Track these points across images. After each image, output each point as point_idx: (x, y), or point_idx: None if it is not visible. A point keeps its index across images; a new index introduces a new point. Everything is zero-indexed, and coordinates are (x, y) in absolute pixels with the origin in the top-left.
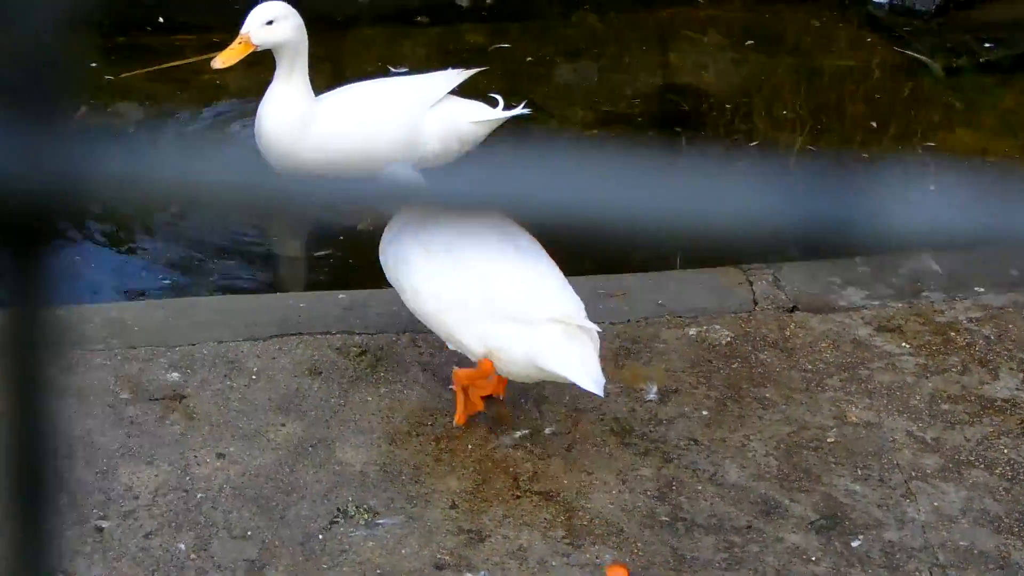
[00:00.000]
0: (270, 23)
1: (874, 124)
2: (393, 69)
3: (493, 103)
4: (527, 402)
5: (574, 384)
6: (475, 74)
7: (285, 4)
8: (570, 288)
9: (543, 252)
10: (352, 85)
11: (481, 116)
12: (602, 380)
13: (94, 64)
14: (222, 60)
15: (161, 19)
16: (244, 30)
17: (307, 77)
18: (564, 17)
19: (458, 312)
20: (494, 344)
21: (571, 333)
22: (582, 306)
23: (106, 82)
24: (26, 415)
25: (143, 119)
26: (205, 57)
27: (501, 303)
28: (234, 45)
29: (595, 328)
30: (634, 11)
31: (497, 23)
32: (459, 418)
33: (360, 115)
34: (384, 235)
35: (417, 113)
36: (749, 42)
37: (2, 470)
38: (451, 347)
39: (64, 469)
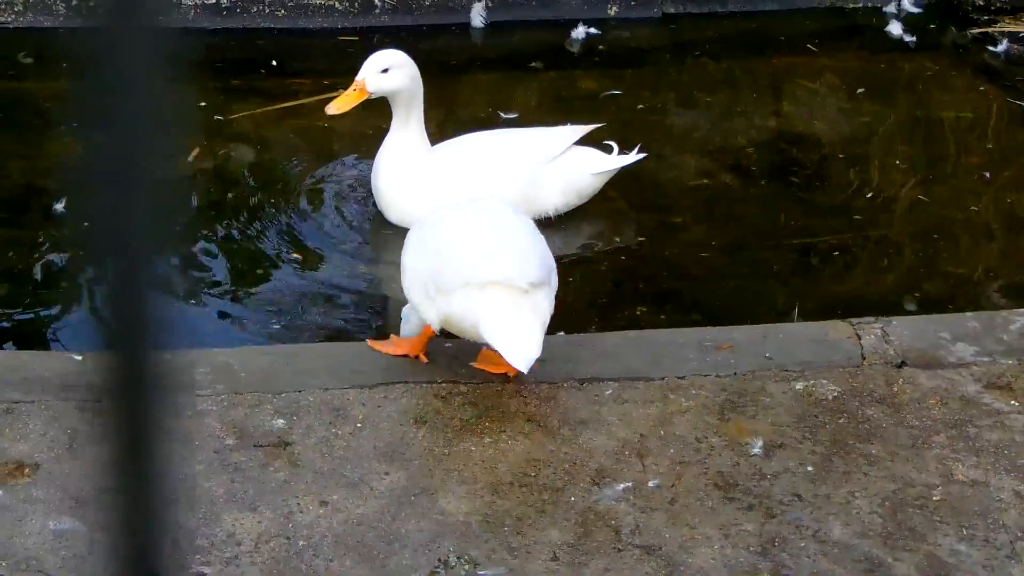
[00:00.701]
0: (386, 71)
1: (987, 175)
2: (504, 115)
3: (607, 150)
4: (630, 454)
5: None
6: (584, 121)
7: (401, 53)
8: (533, 256)
9: (527, 230)
10: (469, 136)
11: (601, 167)
12: (533, 357)
13: (203, 104)
14: (336, 107)
15: (274, 62)
16: (359, 77)
17: (423, 126)
18: (677, 63)
19: (420, 286)
20: (446, 311)
21: (517, 304)
22: (535, 271)
23: (216, 123)
24: (136, 459)
25: (254, 161)
26: (319, 99)
27: (450, 267)
28: (349, 92)
29: (533, 281)
30: (747, 58)
31: (610, 69)
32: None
33: (478, 168)
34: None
35: (536, 168)
36: (860, 90)
37: (111, 513)
38: (414, 320)
39: (170, 514)
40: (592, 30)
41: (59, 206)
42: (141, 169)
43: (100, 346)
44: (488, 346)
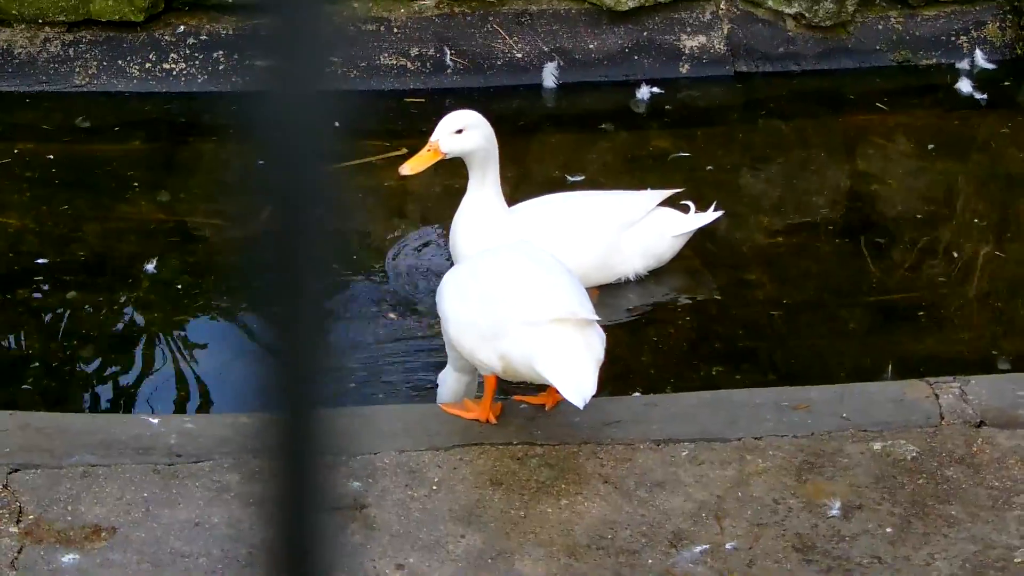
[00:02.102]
0: (460, 131)
1: None
2: (571, 178)
3: (684, 209)
4: (707, 516)
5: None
6: (656, 182)
7: (475, 113)
8: (579, 291)
9: (562, 268)
10: (548, 197)
11: (680, 229)
12: (589, 392)
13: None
14: (410, 167)
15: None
16: (434, 137)
17: (499, 186)
18: (749, 122)
19: (472, 332)
20: (503, 351)
21: (573, 341)
22: (590, 307)
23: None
24: (298, 519)
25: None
26: (387, 156)
27: (503, 309)
28: (423, 153)
29: (594, 316)
30: (820, 116)
31: (682, 128)
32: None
33: (556, 232)
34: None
35: (615, 234)
36: (931, 146)
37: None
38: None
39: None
40: (656, 89)
41: (150, 267)
42: (311, 234)
43: (264, 406)
44: (544, 382)
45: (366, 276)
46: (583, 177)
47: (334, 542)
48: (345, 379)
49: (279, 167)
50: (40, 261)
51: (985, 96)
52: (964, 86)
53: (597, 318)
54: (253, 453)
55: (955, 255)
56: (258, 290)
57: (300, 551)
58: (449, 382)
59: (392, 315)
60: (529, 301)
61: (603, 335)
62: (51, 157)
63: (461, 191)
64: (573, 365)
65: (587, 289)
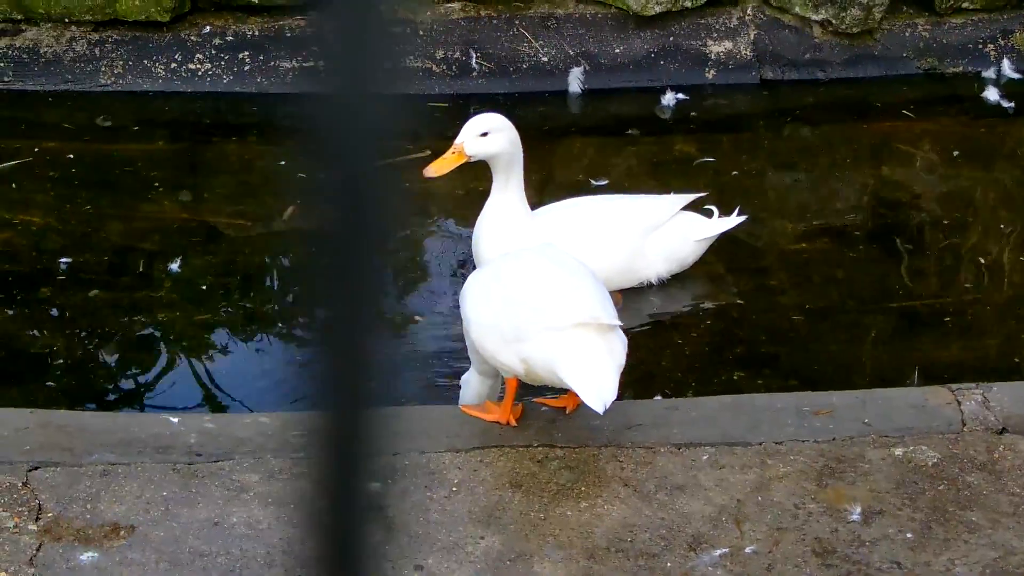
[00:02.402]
0: (485, 134)
1: None
2: (594, 182)
3: (707, 214)
4: (727, 520)
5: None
6: (680, 187)
7: (501, 116)
8: (603, 295)
9: (586, 271)
10: (571, 200)
11: (704, 233)
12: (610, 398)
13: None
14: (435, 169)
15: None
16: (459, 140)
17: (523, 190)
18: (775, 129)
19: (494, 335)
20: (525, 355)
21: (595, 346)
22: (613, 311)
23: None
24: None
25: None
26: (413, 157)
27: (527, 313)
28: (448, 155)
29: (617, 322)
30: (845, 123)
31: (707, 134)
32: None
33: (580, 236)
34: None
35: (638, 238)
36: (955, 152)
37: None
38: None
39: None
40: (681, 96)
41: (174, 267)
42: (369, 236)
43: (315, 404)
44: (565, 386)
45: (391, 278)
46: (607, 182)
47: (378, 544)
48: (397, 379)
49: (336, 167)
50: (63, 260)
51: (1012, 105)
52: (991, 95)
53: (620, 323)
54: (300, 452)
55: (979, 262)
56: (315, 289)
57: (346, 553)
58: (472, 384)
59: (418, 317)
60: (552, 305)
61: (625, 340)
62: (75, 156)
63: (485, 194)
64: (594, 370)
65: (610, 293)
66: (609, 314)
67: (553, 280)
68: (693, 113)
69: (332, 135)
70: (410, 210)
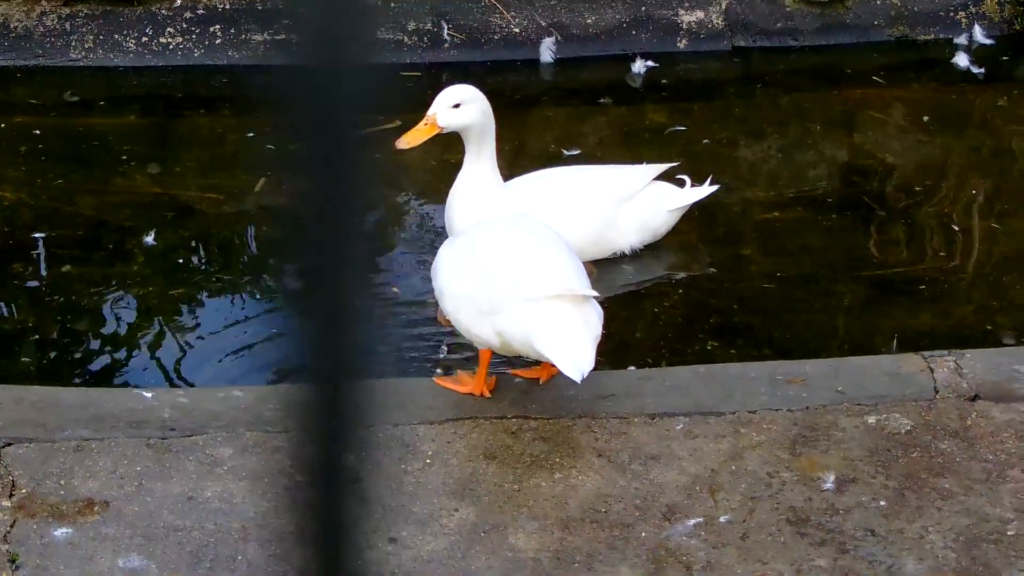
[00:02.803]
0: (457, 106)
1: None
2: (566, 152)
3: (680, 184)
4: (701, 489)
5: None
6: (653, 156)
7: (472, 88)
8: (578, 266)
9: (560, 241)
10: (544, 171)
11: (676, 203)
12: (587, 367)
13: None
14: (407, 141)
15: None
16: (431, 112)
17: (495, 161)
18: (747, 97)
19: (470, 306)
20: (500, 327)
21: (571, 317)
22: (587, 282)
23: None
24: (331, 489)
25: None
26: (384, 128)
27: (502, 284)
28: (420, 127)
29: (593, 293)
30: (817, 91)
31: (679, 103)
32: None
33: (554, 206)
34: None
35: (611, 208)
36: (926, 118)
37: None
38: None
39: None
40: (650, 63)
41: (149, 239)
42: (350, 206)
43: (302, 378)
44: (541, 358)
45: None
46: (579, 151)
47: (364, 517)
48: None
49: (314, 139)
50: (35, 235)
51: (983, 71)
52: (961, 60)
53: (595, 294)
54: (275, 425)
55: (951, 229)
56: (297, 263)
57: (331, 525)
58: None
59: (394, 290)
60: (527, 277)
61: (601, 311)
62: (46, 131)
63: (457, 166)
64: (571, 341)
65: (584, 264)
66: (584, 285)
67: (528, 251)
68: (665, 81)
69: (304, 107)
70: (382, 182)
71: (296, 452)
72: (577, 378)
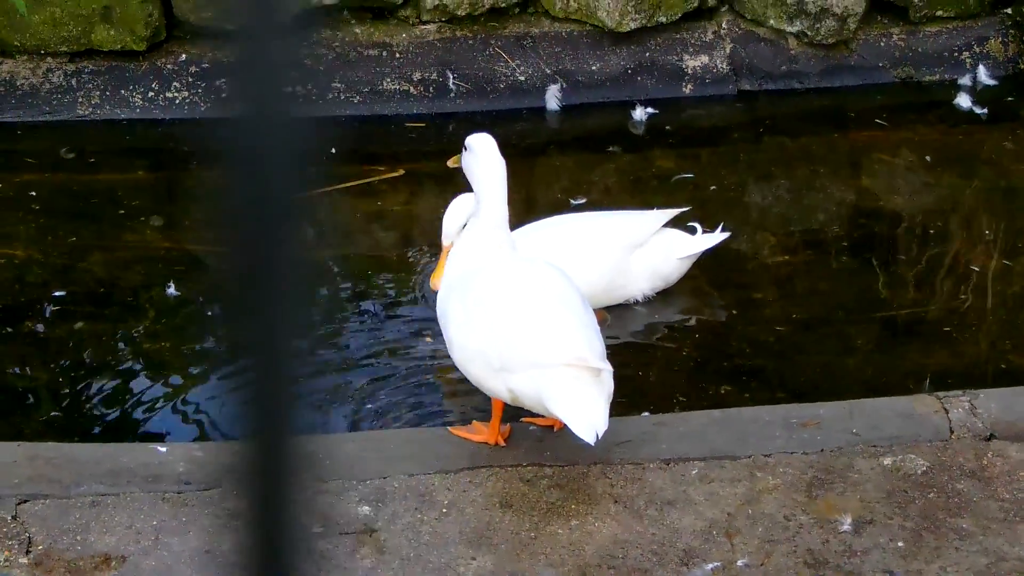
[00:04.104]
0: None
1: None
2: (573, 200)
3: (691, 231)
4: (718, 534)
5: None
6: (661, 203)
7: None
8: (590, 330)
9: (571, 291)
10: (551, 220)
11: (688, 251)
12: (602, 429)
13: None
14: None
15: (333, 150)
16: (445, 241)
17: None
18: (753, 141)
19: (481, 361)
20: (511, 385)
21: (584, 379)
22: (599, 347)
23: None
24: (272, 543)
25: (331, 244)
26: (390, 176)
27: (515, 351)
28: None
29: (608, 368)
30: (823, 134)
31: (686, 148)
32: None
33: (564, 256)
34: (440, 288)
35: (622, 255)
36: (928, 158)
37: None
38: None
39: None
40: (651, 109)
41: (159, 295)
42: (286, 258)
43: (240, 433)
44: (554, 418)
45: (366, 301)
46: (586, 199)
47: (310, 565)
48: (351, 406)
49: (249, 192)
50: (47, 292)
51: (986, 111)
52: (964, 101)
53: (607, 367)
54: (228, 478)
55: (961, 269)
56: (232, 314)
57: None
58: None
59: (406, 341)
60: (538, 343)
61: (611, 369)
62: (55, 187)
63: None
64: (584, 403)
65: (595, 311)
66: (596, 352)
67: (539, 311)
68: (669, 127)
69: (242, 159)
70: (319, 237)
71: (242, 511)
72: (591, 440)
